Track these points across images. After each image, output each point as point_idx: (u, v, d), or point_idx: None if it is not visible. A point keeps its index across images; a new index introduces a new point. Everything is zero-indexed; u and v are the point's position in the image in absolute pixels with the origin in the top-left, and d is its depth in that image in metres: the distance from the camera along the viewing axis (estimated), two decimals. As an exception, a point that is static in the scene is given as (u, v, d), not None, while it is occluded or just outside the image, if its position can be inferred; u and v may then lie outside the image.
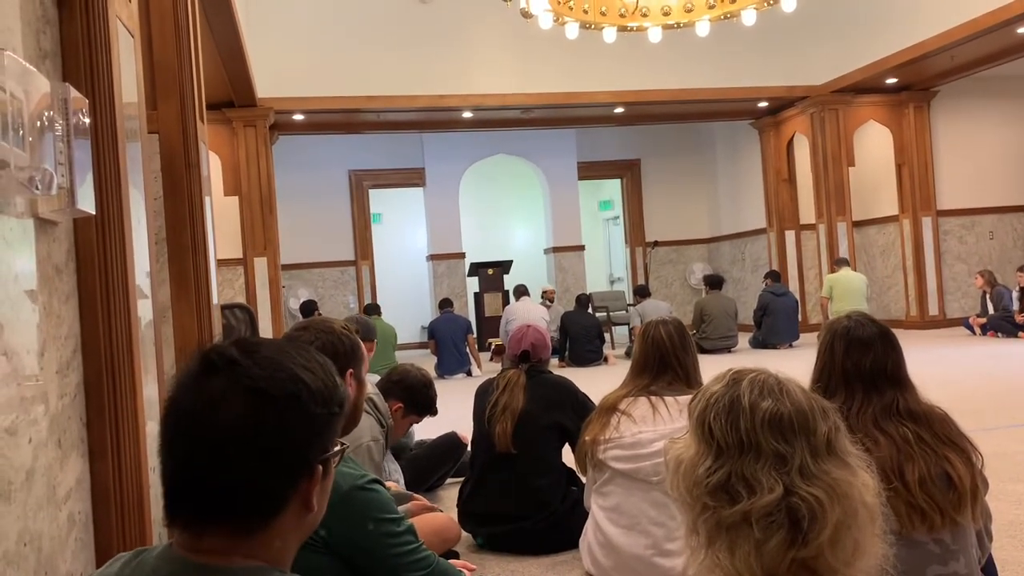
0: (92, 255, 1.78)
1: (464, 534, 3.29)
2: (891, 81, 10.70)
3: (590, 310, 10.46)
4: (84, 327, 1.77)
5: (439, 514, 3.13)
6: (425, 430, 4.55)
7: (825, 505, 1.01)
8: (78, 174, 1.61)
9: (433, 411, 3.82)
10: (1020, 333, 9.47)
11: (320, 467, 0.98)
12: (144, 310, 2.15)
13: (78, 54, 1.77)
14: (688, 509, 1.08)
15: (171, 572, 0.94)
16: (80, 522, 1.71)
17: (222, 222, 9.15)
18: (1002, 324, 9.70)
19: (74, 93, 1.64)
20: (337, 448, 1.02)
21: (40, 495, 1.48)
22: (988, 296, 10.16)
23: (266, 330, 8.82)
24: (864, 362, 1.89)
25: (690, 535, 1.07)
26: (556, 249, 13.78)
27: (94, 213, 1.72)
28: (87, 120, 1.72)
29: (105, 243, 1.80)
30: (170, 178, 3.08)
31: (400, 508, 2.16)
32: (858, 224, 11.54)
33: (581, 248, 13.89)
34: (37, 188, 1.40)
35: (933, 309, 11.18)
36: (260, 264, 9.60)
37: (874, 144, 11.51)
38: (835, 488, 1.03)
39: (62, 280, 1.68)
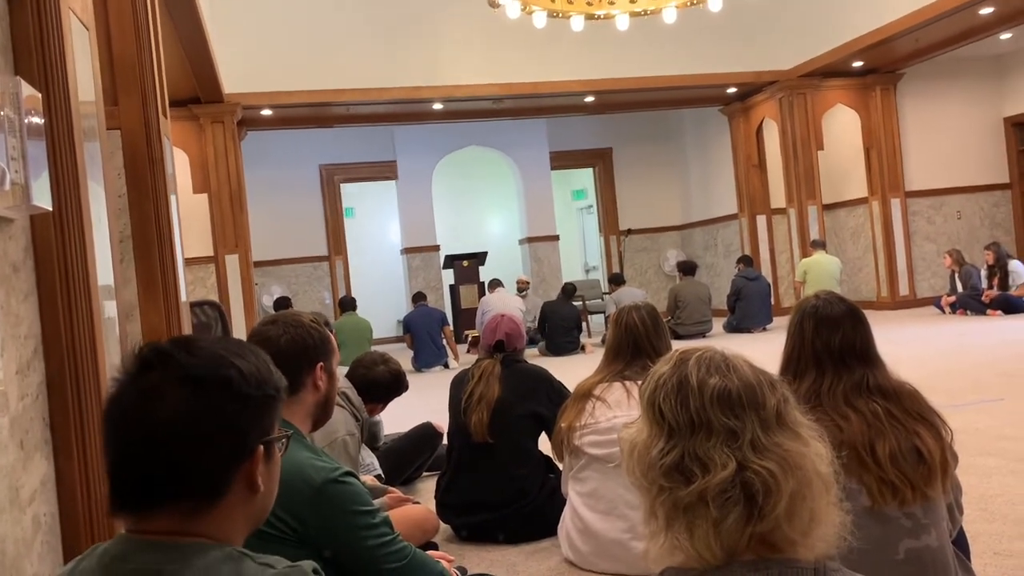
0: (51, 252, 1.74)
1: (442, 525, 3.28)
2: (857, 64, 10.79)
3: (575, 301, 10.45)
4: (44, 326, 1.74)
5: (416, 506, 3.12)
6: (401, 423, 4.53)
7: (778, 477, 1.01)
8: (33, 170, 1.57)
9: (397, 391, 3.71)
10: (988, 311, 9.61)
11: (262, 448, 1.01)
12: (109, 308, 2.12)
13: (30, 47, 1.73)
14: (645, 493, 1.07)
15: (123, 551, 0.97)
16: (46, 524, 1.68)
17: (192, 220, 9.06)
18: (971, 302, 9.83)
19: (27, 88, 1.60)
20: (280, 434, 1.06)
21: (2, 498, 1.45)
22: (957, 275, 10.29)
23: (239, 328, 8.74)
24: (833, 340, 1.90)
25: (649, 519, 1.07)
26: (530, 239, 13.78)
27: (51, 209, 1.69)
28: (41, 115, 1.69)
29: (64, 240, 1.77)
30: (133, 175, 3.03)
31: (376, 502, 2.15)
32: (828, 207, 11.64)
33: (555, 238, 13.90)
34: (-11, 184, 1.37)
35: (903, 289, 11.31)
36: (232, 261, 9.50)
37: (842, 127, 11.60)
38: (788, 460, 1.03)
39: (19, 278, 1.65)
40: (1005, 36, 10.19)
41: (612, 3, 7.06)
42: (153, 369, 0.98)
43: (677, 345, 2.96)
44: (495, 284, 10.45)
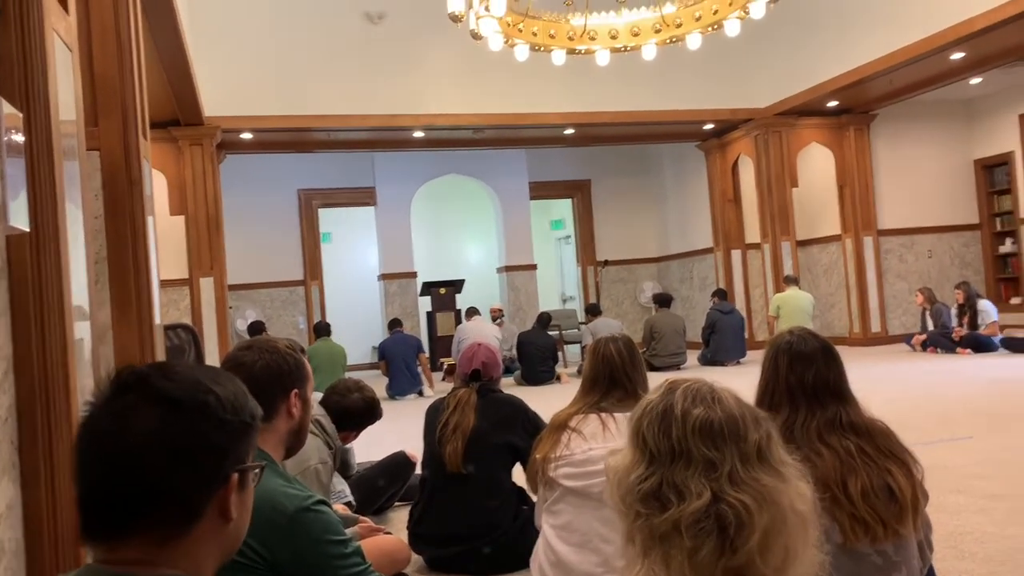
0: (26, 273, 1.72)
1: (414, 556, 3.25)
2: (832, 104, 10.99)
3: (550, 330, 10.47)
4: (17, 347, 1.71)
5: (389, 536, 3.09)
6: (374, 451, 4.50)
7: (752, 511, 1.02)
8: (11, 190, 1.56)
9: (371, 419, 3.70)
10: (958, 349, 9.74)
11: (236, 476, 0.99)
12: (82, 330, 2.09)
13: (12, 68, 1.72)
14: (622, 517, 1.08)
15: None
16: (10, 550, 1.65)
17: (168, 242, 8.99)
18: (941, 340, 9.97)
19: (7, 107, 1.59)
20: (255, 463, 1.04)
21: (-33, 523, 1.42)
22: (928, 313, 10.44)
23: (212, 352, 8.65)
24: (807, 376, 1.92)
25: (626, 545, 1.08)
26: (508, 268, 13.82)
27: (27, 230, 1.67)
28: (22, 135, 1.68)
29: (40, 261, 1.75)
30: (111, 196, 3.02)
31: (348, 531, 2.13)
32: (802, 243, 11.79)
33: (533, 267, 13.94)
34: (-34, 203, 1.36)
35: (875, 326, 11.44)
36: (207, 284, 9.43)
37: (816, 165, 11.79)
38: (764, 495, 1.04)
39: (-7, 299, 1.63)
40: (975, 81, 10.45)
41: (593, 38, 7.15)
42: (129, 391, 0.97)
43: (652, 377, 2.98)
44: (472, 312, 10.46)
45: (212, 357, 8.32)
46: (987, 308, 9.91)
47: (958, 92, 11.12)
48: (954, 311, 10.15)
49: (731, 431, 1.07)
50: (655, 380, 2.80)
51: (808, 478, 1.10)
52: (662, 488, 1.04)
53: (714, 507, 1.02)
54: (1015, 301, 11.27)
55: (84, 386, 2.00)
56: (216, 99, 9.31)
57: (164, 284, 8.27)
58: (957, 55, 8.99)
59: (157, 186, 8.86)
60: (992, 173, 11.91)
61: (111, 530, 0.94)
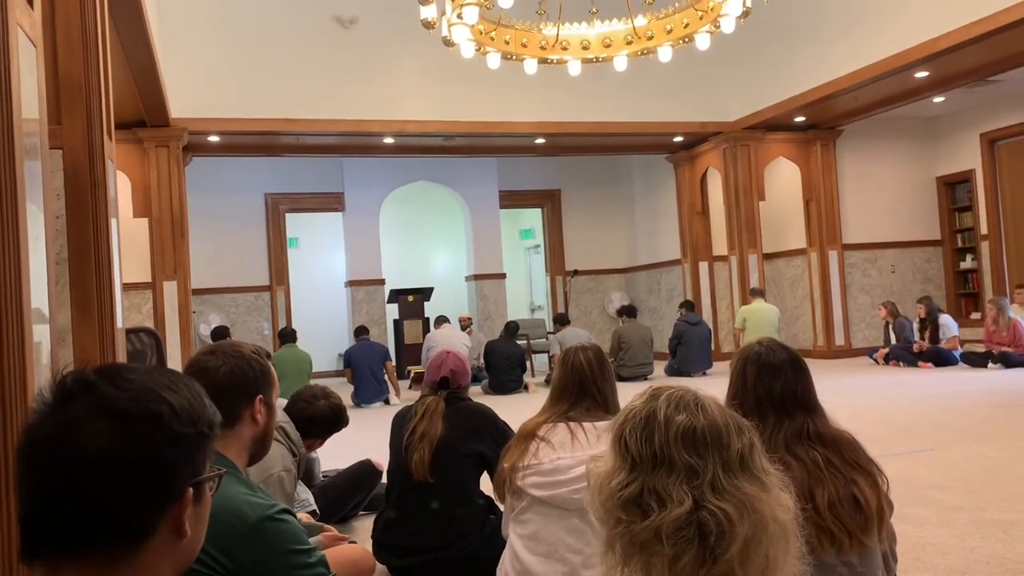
0: (-17, 273, 1.67)
1: (379, 566, 3.21)
2: (799, 119, 11.15)
3: (518, 339, 10.46)
4: (-28, 350, 1.66)
5: (353, 545, 3.05)
6: (338, 459, 4.45)
7: (733, 519, 1.01)
8: (-31, 187, 1.52)
9: (337, 426, 3.66)
10: (920, 362, 9.90)
11: (191, 490, 0.93)
12: (40, 333, 2.04)
13: (-27, 61, 1.68)
14: (603, 524, 1.08)
15: None
16: (-39, 559, 1.59)
17: (131, 245, 8.84)
18: (903, 354, 10.12)
19: (-33, 102, 1.55)
20: (211, 473, 0.98)
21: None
22: (891, 327, 10.60)
23: (175, 357, 8.52)
24: (775, 387, 1.93)
25: (606, 552, 1.07)
26: (477, 276, 13.80)
27: (-14, 229, 1.63)
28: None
29: (-2, 261, 1.70)
30: (74, 196, 2.95)
31: (311, 540, 2.09)
32: (768, 256, 11.92)
33: (502, 276, 13.94)
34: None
35: (839, 339, 11.59)
36: (170, 288, 9.29)
37: (783, 179, 11.94)
38: (745, 503, 1.03)
39: (-52, 299, 1.58)
40: (938, 99, 10.66)
41: (565, 48, 7.18)
42: (75, 400, 0.90)
43: (619, 387, 2.97)
44: (442, 320, 10.42)
45: (175, 362, 8.19)
46: (948, 323, 10.09)
47: (922, 110, 11.34)
48: (916, 325, 10.32)
49: (714, 439, 1.06)
50: (623, 390, 2.80)
51: (791, 489, 1.10)
52: (643, 495, 1.04)
53: (695, 515, 1.01)
54: (975, 316, 11.48)
55: (42, 391, 1.95)
56: (183, 100, 9.19)
57: (127, 287, 8.14)
58: (921, 73, 9.16)
59: (121, 188, 8.73)
60: (954, 190, 12.14)
61: (55, 550, 0.88)
